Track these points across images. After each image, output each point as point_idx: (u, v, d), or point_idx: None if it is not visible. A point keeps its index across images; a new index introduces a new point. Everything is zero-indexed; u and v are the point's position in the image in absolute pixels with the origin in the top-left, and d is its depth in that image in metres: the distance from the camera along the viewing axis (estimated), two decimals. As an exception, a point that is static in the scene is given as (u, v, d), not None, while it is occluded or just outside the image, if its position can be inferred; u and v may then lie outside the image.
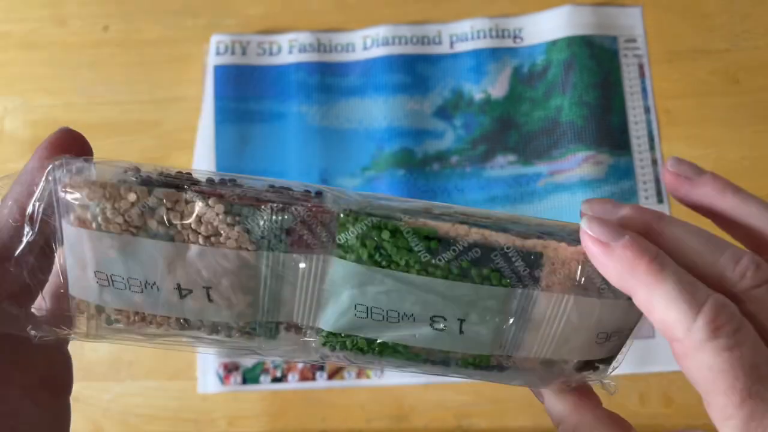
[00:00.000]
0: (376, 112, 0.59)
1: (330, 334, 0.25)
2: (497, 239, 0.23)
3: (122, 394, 0.56)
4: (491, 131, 0.59)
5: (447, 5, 0.62)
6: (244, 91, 0.60)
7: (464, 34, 0.61)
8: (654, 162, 0.57)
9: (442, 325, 0.24)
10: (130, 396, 0.56)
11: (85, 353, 0.56)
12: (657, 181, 0.57)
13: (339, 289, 0.24)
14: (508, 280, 0.23)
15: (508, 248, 0.23)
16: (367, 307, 0.24)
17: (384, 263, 0.23)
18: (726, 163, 0.58)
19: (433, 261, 0.23)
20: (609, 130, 0.58)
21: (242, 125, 0.60)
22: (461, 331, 0.24)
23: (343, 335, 0.25)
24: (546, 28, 0.61)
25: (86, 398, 0.56)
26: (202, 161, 0.59)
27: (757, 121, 0.58)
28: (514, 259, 0.23)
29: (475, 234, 0.23)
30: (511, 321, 0.24)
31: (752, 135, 0.58)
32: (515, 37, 0.61)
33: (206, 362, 0.56)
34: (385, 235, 0.23)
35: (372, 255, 0.23)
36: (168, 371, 0.56)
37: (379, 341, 0.25)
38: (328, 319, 0.24)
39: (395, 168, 0.58)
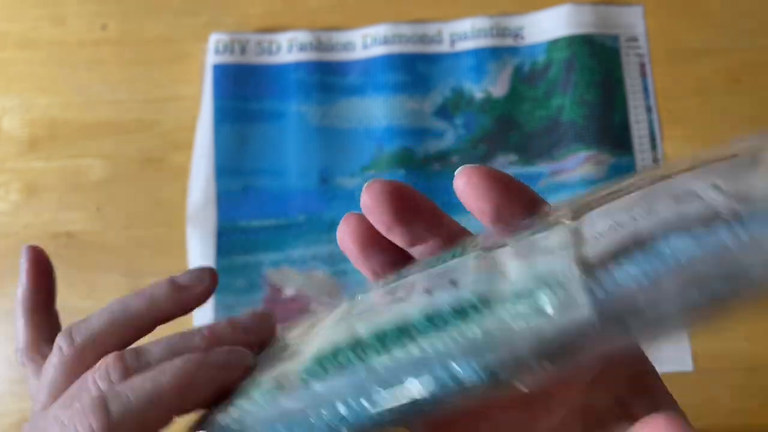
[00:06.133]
0: (376, 112, 0.59)
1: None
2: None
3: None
4: (492, 131, 0.58)
5: (447, 4, 0.62)
6: (244, 91, 0.60)
7: (465, 33, 0.61)
8: (656, 161, 0.57)
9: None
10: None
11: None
12: (658, 180, 0.57)
13: None
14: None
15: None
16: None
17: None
18: (728, 162, 0.57)
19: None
20: (610, 130, 0.57)
21: (241, 124, 0.59)
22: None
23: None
24: (547, 27, 0.60)
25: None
26: (201, 161, 0.58)
27: (759, 121, 0.58)
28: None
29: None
30: None
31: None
32: (516, 36, 0.61)
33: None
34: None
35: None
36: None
37: None
38: None
39: (395, 168, 0.57)
